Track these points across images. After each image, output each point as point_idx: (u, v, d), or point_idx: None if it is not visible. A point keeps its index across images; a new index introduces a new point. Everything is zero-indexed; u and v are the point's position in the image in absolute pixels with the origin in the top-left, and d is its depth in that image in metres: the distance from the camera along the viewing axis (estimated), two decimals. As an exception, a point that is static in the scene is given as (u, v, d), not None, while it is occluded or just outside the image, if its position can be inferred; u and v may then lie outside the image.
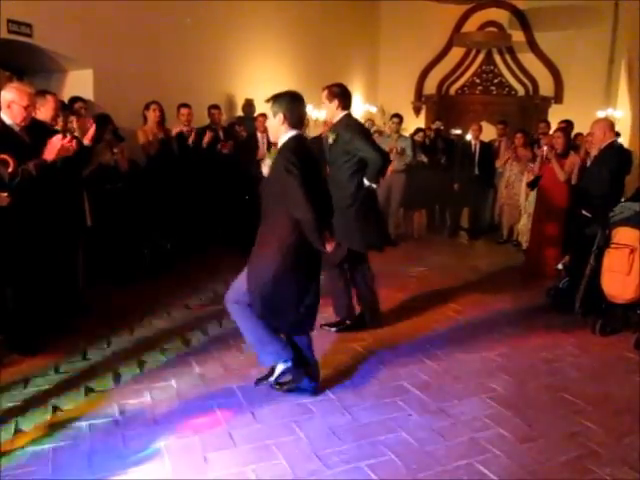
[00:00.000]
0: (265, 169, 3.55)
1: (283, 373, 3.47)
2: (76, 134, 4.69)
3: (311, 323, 3.52)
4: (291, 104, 3.23)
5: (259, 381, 3.57)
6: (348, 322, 4.65)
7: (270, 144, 7.06)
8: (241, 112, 8.51)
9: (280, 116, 3.20)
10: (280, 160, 3.18)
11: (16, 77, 6.32)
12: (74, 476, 2.74)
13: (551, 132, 7.68)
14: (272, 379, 3.50)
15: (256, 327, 3.37)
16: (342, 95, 4.39)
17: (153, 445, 3.00)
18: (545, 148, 6.57)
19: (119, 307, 5.03)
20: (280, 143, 3.29)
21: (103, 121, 5.51)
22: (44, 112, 4.29)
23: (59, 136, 3.92)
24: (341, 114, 4.40)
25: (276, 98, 3.25)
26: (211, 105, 7.27)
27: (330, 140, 4.45)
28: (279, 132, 3.26)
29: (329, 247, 3.30)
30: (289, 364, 3.42)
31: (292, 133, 3.23)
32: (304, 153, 3.24)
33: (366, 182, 4.37)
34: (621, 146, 5.56)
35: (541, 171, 6.68)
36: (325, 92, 4.41)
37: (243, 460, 2.90)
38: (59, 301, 4.49)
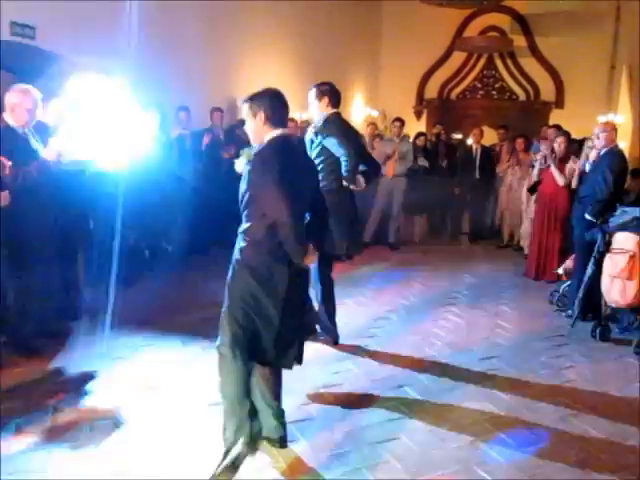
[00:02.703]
0: (238, 167, 3.20)
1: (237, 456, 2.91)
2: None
3: (289, 357, 2.96)
4: (272, 101, 2.92)
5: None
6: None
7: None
8: (242, 115, 8.52)
9: (261, 115, 2.88)
10: (258, 159, 2.83)
11: (19, 80, 6.34)
12: (74, 477, 2.75)
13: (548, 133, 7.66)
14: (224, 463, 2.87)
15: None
16: (330, 93, 4.32)
17: (153, 445, 3.01)
18: (545, 153, 6.58)
19: (119, 309, 5.03)
20: (263, 144, 2.93)
21: None
22: (47, 116, 4.30)
23: (60, 137, 3.94)
24: (329, 112, 4.33)
25: (254, 97, 2.96)
26: (214, 107, 7.29)
27: (309, 137, 4.36)
28: (261, 133, 2.91)
29: (308, 261, 2.92)
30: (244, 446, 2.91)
31: (276, 133, 2.88)
32: (289, 153, 2.90)
33: (344, 182, 4.28)
34: (621, 150, 5.56)
35: (540, 176, 6.70)
36: (313, 90, 4.33)
37: (244, 463, 2.90)
38: (59, 302, 4.49)
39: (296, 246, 2.77)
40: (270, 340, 2.85)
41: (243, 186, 2.86)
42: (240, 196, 2.87)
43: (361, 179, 4.43)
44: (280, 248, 2.77)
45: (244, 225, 2.87)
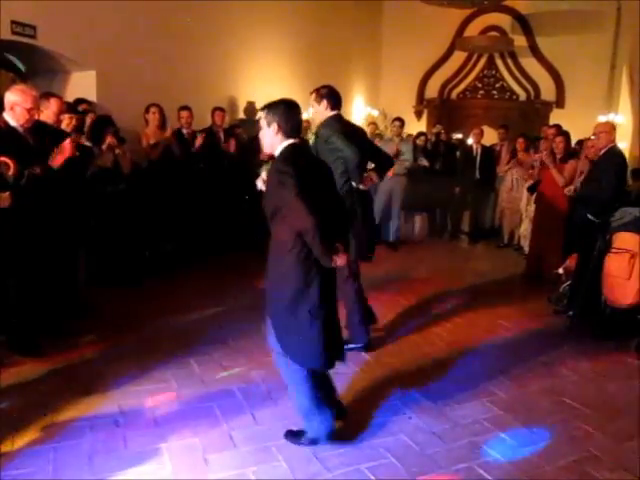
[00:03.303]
0: (259, 183, 3.29)
1: (313, 442, 3.13)
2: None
3: (330, 357, 3.06)
4: (286, 112, 2.98)
5: (288, 435, 3.20)
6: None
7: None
8: (243, 114, 8.55)
9: (274, 126, 2.94)
10: (273, 172, 2.93)
11: (19, 78, 6.35)
12: (74, 476, 2.75)
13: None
14: (301, 442, 3.13)
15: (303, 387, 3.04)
16: (330, 96, 4.33)
17: (153, 446, 3.01)
18: (544, 153, 6.57)
19: (119, 308, 5.04)
20: (276, 154, 3.04)
21: (104, 123, 5.54)
22: (47, 114, 4.30)
23: (68, 142, 3.95)
24: (330, 114, 4.33)
25: (270, 107, 3.00)
26: (215, 107, 7.29)
27: (310, 141, 4.40)
28: (274, 143, 2.99)
29: (340, 261, 2.98)
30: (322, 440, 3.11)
31: (288, 142, 2.98)
32: (303, 161, 2.99)
33: (353, 184, 4.26)
34: (621, 150, 5.57)
35: (539, 176, 6.70)
36: (313, 95, 4.37)
37: (243, 462, 2.91)
38: (60, 302, 4.49)
39: (323, 250, 2.85)
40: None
41: (266, 199, 2.98)
42: (265, 208, 2.98)
43: (373, 175, 4.43)
44: (310, 253, 2.88)
45: (273, 235, 2.99)
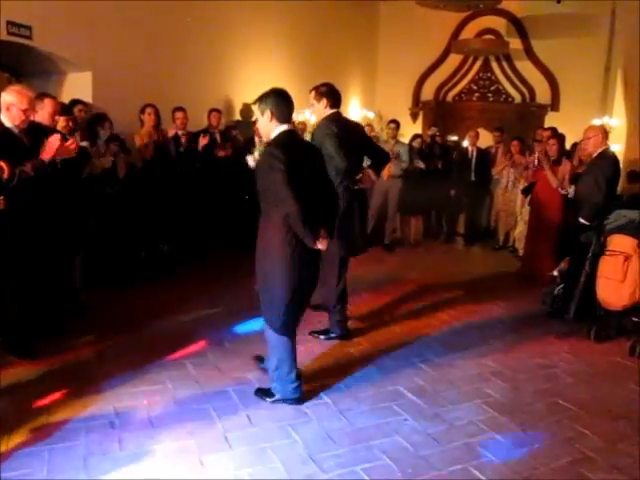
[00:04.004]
0: (251, 162, 3.58)
1: (277, 401, 3.51)
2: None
3: (288, 326, 3.42)
4: (277, 100, 3.24)
5: (257, 392, 3.61)
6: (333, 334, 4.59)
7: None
8: (239, 116, 8.55)
9: (268, 113, 3.22)
10: (264, 155, 3.21)
11: (15, 79, 6.33)
12: (69, 478, 2.74)
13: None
14: (268, 400, 3.52)
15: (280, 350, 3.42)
16: (329, 94, 4.35)
17: (148, 447, 3.00)
18: (537, 154, 6.60)
19: (115, 309, 5.03)
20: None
21: (98, 119, 5.54)
22: (42, 115, 4.29)
23: (57, 135, 3.93)
24: (329, 112, 4.35)
25: (262, 97, 3.27)
26: (211, 108, 7.29)
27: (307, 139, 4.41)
28: (270, 129, 3.26)
29: (320, 245, 3.26)
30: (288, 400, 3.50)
31: (282, 128, 3.24)
32: (294, 146, 3.23)
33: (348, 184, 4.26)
34: (614, 153, 5.59)
35: (534, 178, 6.71)
36: (312, 93, 4.39)
37: (239, 463, 2.91)
38: (56, 304, 4.48)
39: (304, 233, 3.15)
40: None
41: (257, 177, 3.24)
42: (257, 186, 3.24)
43: (371, 174, 4.44)
44: (296, 234, 3.16)
45: (263, 211, 3.27)
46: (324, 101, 4.33)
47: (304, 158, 3.27)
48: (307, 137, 4.40)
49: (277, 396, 3.50)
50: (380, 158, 4.63)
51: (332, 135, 4.17)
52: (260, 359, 3.92)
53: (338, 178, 4.13)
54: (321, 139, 4.18)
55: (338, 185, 4.09)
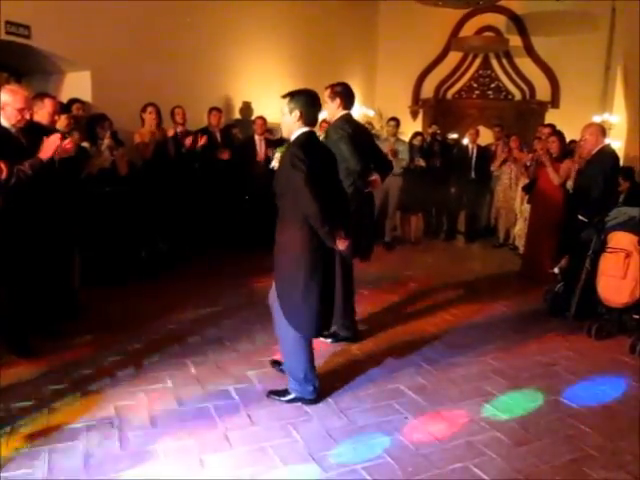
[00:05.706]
0: (275, 162, 3.57)
1: (293, 400, 3.50)
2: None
3: (320, 326, 3.44)
4: (309, 103, 3.27)
5: (271, 394, 3.57)
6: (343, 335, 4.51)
7: (269, 145, 7.07)
8: (239, 115, 8.54)
9: (297, 113, 3.23)
10: (288, 155, 3.21)
11: (14, 79, 6.32)
12: (70, 478, 2.74)
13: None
14: (283, 399, 3.51)
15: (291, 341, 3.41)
16: (344, 94, 4.35)
17: (149, 447, 3.00)
18: (541, 151, 6.58)
19: (115, 309, 5.03)
20: (292, 139, 3.32)
21: (98, 120, 5.53)
22: (42, 115, 4.28)
23: (57, 135, 3.92)
24: (341, 113, 4.34)
25: (294, 95, 3.28)
26: (211, 107, 7.28)
27: (321, 138, 4.37)
28: (293, 129, 3.29)
29: (341, 245, 3.30)
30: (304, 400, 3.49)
31: (304, 129, 3.27)
32: (314, 149, 3.27)
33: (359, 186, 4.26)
34: (614, 150, 5.58)
35: (534, 175, 6.70)
36: (327, 91, 4.36)
37: (239, 462, 2.90)
38: (54, 303, 4.47)
39: (325, 233, 3.17)
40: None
41: (278, 177, 3.29)
42: (275, 186, 3.28)
43: (378, 179, 4.41)
44: (315, 232, 3.18)
45: (282, 210, 3.28)
46: (338, 100, 4.32)
47: (322, 161, 3.31)
48: (321, 134, 4.33)
49: (293, 395, 3.49)
50: (383, 168, 4.59)
51: (347, 136, 4.18)
52: (277, 363, 3.90)
53: (349, 180, 4.14)
54: (336, 139, 4.17)
55: (349, 187, 4.11)
